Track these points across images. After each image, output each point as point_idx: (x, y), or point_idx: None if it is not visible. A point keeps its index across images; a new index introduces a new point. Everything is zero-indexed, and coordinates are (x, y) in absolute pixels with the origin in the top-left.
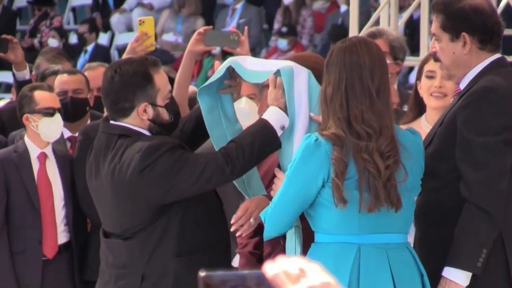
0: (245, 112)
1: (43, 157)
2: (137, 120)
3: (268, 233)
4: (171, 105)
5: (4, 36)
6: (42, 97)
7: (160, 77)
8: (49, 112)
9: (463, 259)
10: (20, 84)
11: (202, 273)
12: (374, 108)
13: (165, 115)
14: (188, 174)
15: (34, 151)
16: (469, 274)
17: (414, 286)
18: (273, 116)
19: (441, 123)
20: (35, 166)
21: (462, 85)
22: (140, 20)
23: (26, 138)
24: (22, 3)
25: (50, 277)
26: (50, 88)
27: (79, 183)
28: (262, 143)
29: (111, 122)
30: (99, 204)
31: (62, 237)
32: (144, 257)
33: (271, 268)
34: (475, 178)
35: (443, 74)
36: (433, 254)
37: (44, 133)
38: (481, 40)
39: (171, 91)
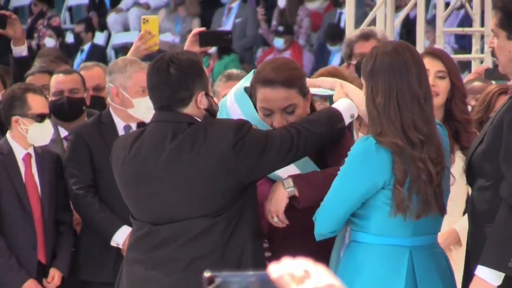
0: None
1: (28, 158)
2: (195, 109)
3: (319, 231)
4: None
5: (2, 12)
6: (35, 102)
7: (204, 69)
8: (41, 119)
9: (494, 259)
10: (16, 60)
11: (207, 274)
12: (423, 115)
13: (215, 105)
14: (272, 147)
15: (19, 152)
16: (501, 274)
17: (450, 283)
18: (343, 104)
19: (492, 122)
20: (22, 168)
21: None
22: (144, 19)
23: (9, 138)
24: (19, 3)
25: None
26: (42, 91)
27: (72, 183)
28: (329, 119)
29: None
30: (158, 191)
31: None
32: (224, 238)
33: (276, 269)
34: (510, 177)
35: (500, 70)
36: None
37: (32, 137)
38: None
39: None
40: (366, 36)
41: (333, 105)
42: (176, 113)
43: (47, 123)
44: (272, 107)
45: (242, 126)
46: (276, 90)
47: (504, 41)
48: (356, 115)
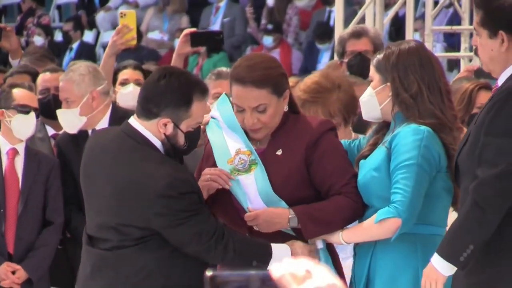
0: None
1: (12, 153)
2: (155, 128)
3: (406, 228)
4: (192, 136)
5: None
6: (19, 94)
7: (198, 107)
8: (24, 110)
9: (448, 250)
10: None
11: (208, 273)
12: (445, 104)
13: (181, 139)
14: (191, 229)
15: (4, 147)
16: (453, 266)
17: None
18: (279, 252)
19: (475, 121)
20: (5, 161)
21: (500, 82)
22: (121, 13)
23: None
24: (8, 0)
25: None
26: (31, 88)
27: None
28: (253, 256)
29: (134, 124)
30: (95, 199)
31: None
32: (137, 276)
33: (277, 269)
34: (481, 175)
35: (484, 68)
36: None
37: (16, 129)
38: None
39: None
40: (358, 34)
41: (275, 246)
42: (135, 130)
43: (31, 116)
44: (243, 104)
45: (180, 185)
46: (247, 89)
47: (486, 40)
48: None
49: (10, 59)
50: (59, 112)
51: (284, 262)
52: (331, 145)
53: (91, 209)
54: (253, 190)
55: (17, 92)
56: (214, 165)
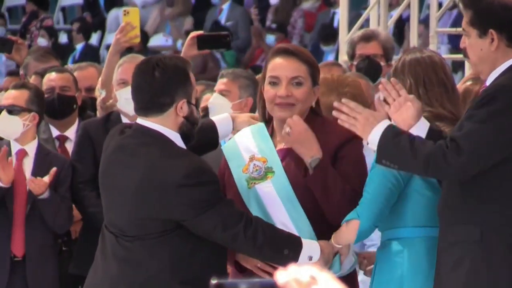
0: (211, 107)
1: (21, 154)
2: (172, 118)
3: (363, 228)
4: (197, 105)
5: (9, 36)
6: (5, 95)
7: (192, 76)
8: (7, 111)
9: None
10: None
11: (213, 281)
12: (449, 98)
13: (196, 113)
14: (215, 215)
15: (15, 148)
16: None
17: None
18: (309, 246)
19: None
20: (13, 162)
21: (488, 82)
22: (125, 11)
23: None
24: (13, 3)
25: (18, 276)
26: (16, 86)
27: (76, 179)
28: (284, 244)
29: (145, 123)
30: (116, 196)
31: None
32: (150, 269)
33: (283, 275)
34: (450, 156)
35: (472, 70)
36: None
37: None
38: (509, 37)
39: None
40: (367, 38)
41: (304, 241)
42: (147, 128)
43: (2, 115)
44: (280, 74)
45: (199, 173)
46: (289, 60)
47: (475, 40)
48: (314, 259)
49: (20, 72)
50: (121, 92)
51: (289, 269)
52: (354, 154)
53: (111, 207)
54: (273, 198)
55: (5, 93)
56: (230, 177)
